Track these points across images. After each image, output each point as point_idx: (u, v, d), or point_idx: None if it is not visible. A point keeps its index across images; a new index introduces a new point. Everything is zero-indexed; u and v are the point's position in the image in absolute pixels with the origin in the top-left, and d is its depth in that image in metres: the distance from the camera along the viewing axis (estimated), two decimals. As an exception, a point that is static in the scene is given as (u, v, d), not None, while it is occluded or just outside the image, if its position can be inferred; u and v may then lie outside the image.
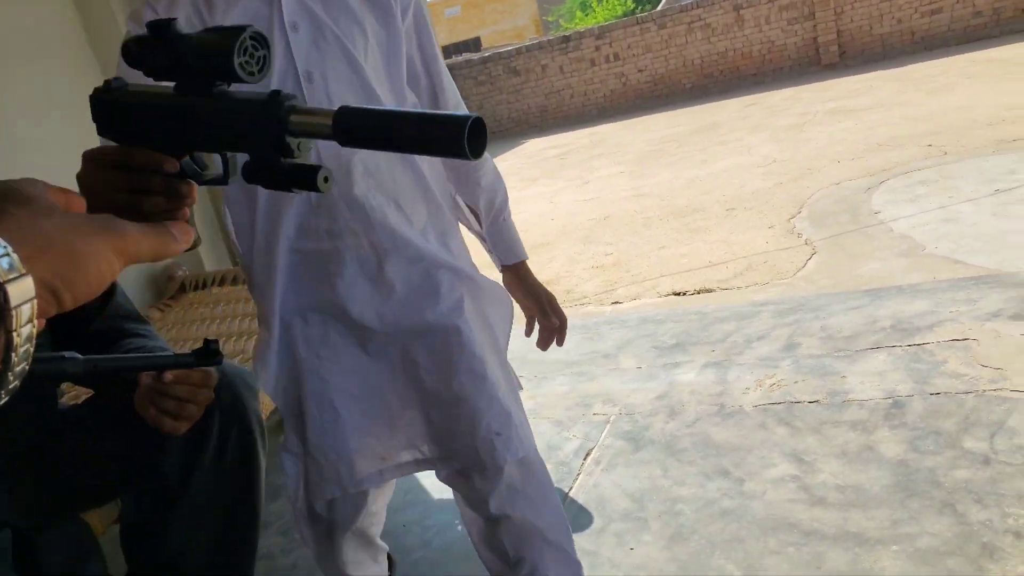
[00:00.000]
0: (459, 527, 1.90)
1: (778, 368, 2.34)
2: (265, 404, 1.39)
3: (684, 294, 3.60)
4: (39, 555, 1.04)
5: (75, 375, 0.92)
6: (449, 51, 22.62)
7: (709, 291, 3.56)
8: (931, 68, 9.32)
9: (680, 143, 8.40)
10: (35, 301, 0.38)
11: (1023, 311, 2.28)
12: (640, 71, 13.14)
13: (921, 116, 6.46)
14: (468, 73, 14.33)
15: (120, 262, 0.45)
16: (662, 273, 3.99)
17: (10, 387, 0.38)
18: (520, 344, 3.00)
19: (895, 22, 11.50)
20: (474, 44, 25.02)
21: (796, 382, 2.23)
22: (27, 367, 0.39)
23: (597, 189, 6.80)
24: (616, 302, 3.68)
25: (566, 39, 13.63)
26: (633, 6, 20.17)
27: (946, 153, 4.95)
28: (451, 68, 14.57)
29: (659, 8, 14.63)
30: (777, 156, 6.33)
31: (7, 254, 0.37)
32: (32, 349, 0.39)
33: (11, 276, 0.37)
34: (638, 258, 4.37)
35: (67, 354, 0.93)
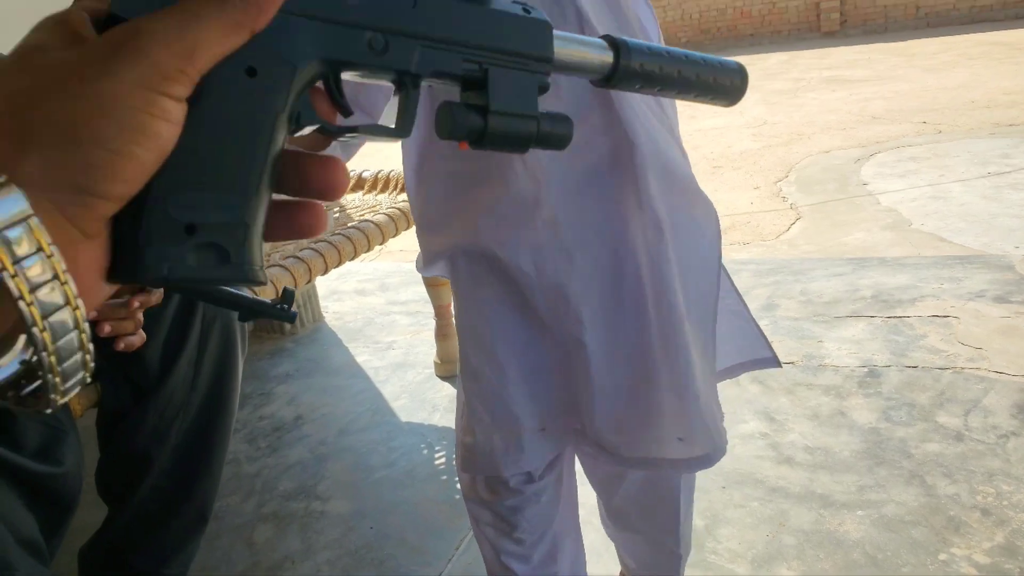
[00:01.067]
0: (424, 450, 1.88)
1: (756, 327, 2.31)
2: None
3: (666, 246, 3.55)
4: (16, 430, 1.02)
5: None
6: None
7: (691, 245, 3.51)
8: (933, 45, 9.24)
9: (673, 96, 8.27)
10: (33, 219, 0.24)
11: (1006, 293, 2.27)
12: (639, 18, 12.87)
13: (918, 92, 6.41)
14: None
15: (176, 89, 0.27)
16: (645, 223, 3.93)
17: (41, 340, 0.24)
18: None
19: (900, -4, 11.37)
20: None
21: (772, 342, 2.20)
22: (78, 315, 0.25)
23: (585, 133, 6.68)
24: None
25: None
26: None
27: (940, 132, 4.92)
28: None
29: (665, -45, 14.26)
30: (768, 119, 6.26)
31: None
32: (69, 291, 0.25)
33: None
34: (622, 206, 4.30)
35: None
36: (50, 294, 0.24)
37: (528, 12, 0.38)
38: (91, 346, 0.26)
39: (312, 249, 1.58)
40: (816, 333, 2.23)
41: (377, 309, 2.87)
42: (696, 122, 6.54)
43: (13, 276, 0.23)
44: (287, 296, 1.01)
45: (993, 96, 5.80)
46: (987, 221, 3.14)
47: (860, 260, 2.79)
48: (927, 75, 7.26)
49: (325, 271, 1.58)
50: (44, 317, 0.24)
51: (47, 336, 0.24)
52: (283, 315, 1.01)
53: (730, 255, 3.27)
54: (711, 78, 0.48)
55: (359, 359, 2.45)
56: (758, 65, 9.86)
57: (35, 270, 0.24)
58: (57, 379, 0.25)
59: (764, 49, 11.49)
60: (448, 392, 2.15)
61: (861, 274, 2.62)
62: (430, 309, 2.18)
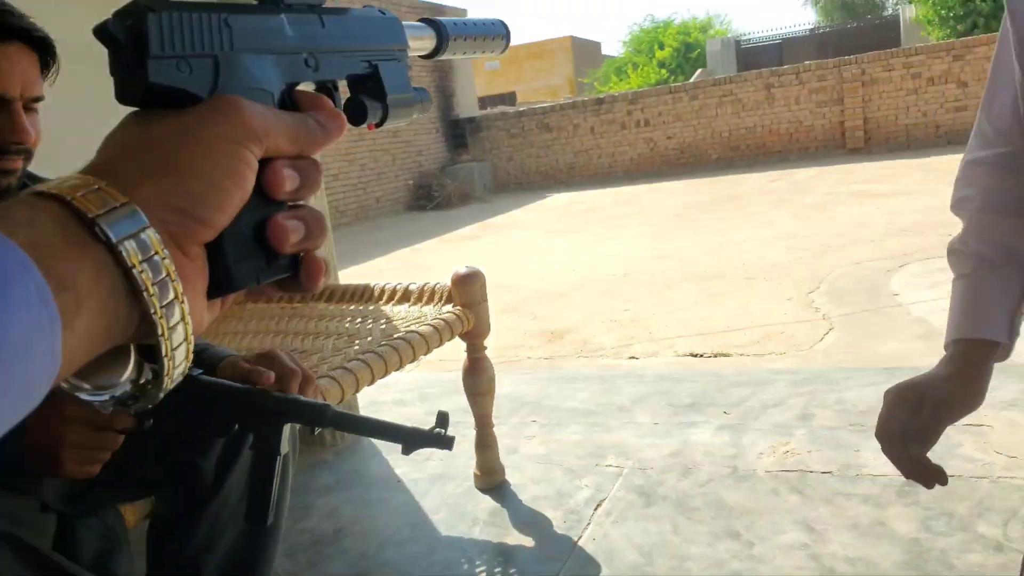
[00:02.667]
0: (464, 564, 1.91)
1: (792, 436, 2.34)
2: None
3: (701, 356, 3.62)
4: (76, 541, 1.07)
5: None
6: (484, 102, 23.09)
7: (726, 355, 3.57)
8: (954, 161, 9.35)
9: (703, 210, 8.49)
10: (150, 231, 0.31)
11: (1041, 403, 2.29)
12: (669, 138, 13.35)
13: (942, 206, 6.44)
14: (502, 125, 14.60)
15: (254, 149, 0.35)
16: (679, 334, 4.02)
17: (166, 334, 0.32)
18: (535, 388, 3.04)
19: (920, 115, 11.69)
20: (509, 98, 25.54)
21: (810, 451, 2.23)
22: (183, 308, 0.32)
23: (619, 247, 6.87)
24: (633, 357, 3.70)
25: (600, 101, 13.92)
26: (667, 75, 20.58)
27: (969, 244, 4.99)
28: (487, 119, 14.88)
29: (692, 80, 14.92)
30: (799, 232, 6.40)
31: (96, 188, 0.31)
32: (177, 288, 0.32)
33: (106, 208, 0.30)
34: (656, 317, 4.40)
35: (319, 402, 0.98)
36: (164, 292, 0.31)
37: (384, 14, 0.51)
38: (192, 348, 0.34)
39: (360, 360, 1.68)
40: (853, 442, 2.25)
41: (417, 420, 2.95)
42: (728, 235, 6.70)
43: (141, 272, 0.30)
44: (442, 421, 0.99)
45: (1021, 208, 5.88)
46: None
47: (893, 369, 2.83)
48: (949, 189, 7.38)
49: (372, 381, 1.68)
50: (160, 306, 0.31)
51: (163, 318, 0.31)
52: (442, 442, 0.98)
53: (766, 365, 3.32)
54: (492, 36, 0.61)
55: (398, 471, 2.50)
56: (787, 180, 10.11)
57: (152, 272, 0.31)
58: (167, 379, 0.33)
59: (792, 165, 11.80)
60: (488, 505, 2.18)
61: (895, 383, 2.65)
62: (470, 419, 2.25)
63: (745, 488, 2.07)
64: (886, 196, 7.58)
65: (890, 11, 24.73)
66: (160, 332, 0.31)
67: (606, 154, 13.86)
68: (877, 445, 2.20)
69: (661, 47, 21.61)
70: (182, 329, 0.33)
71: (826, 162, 11.43)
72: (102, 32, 0.36)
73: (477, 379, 2.14)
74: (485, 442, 2.24)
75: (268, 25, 0.41)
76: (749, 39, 21.46)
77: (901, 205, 6.91)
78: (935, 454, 2.17)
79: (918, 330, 3.45)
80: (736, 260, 5.63)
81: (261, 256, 0.38)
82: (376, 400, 3.23)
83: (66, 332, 0.28)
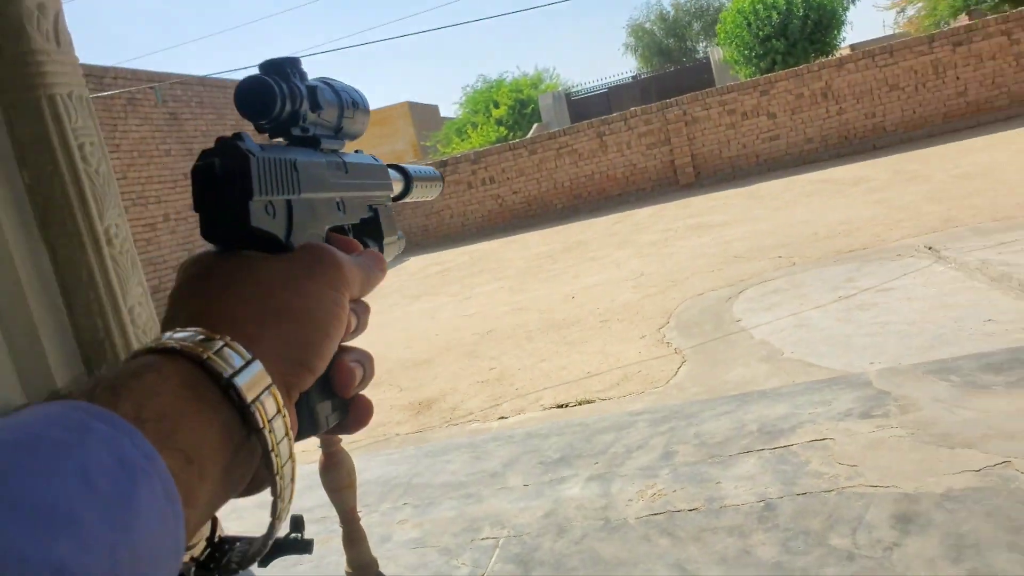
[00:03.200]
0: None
1: (658, 478, 2.41)
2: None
3: (566, 406, 3.68)
4: None
5: None
6: (327, 174, 22.80)
7: (589, 402, 3.65)
8: (775, 187, 10.26)
9: (555, 259, 8.74)
10: (273, 388, 0.31)
11: (870, 409, 2.48)
12: (515, 193, 13.73)
13: (770, 230, 7.05)
14: (346, 195, 14.50)
15: (345, 294, 0.37)
16: (544, 386, 4.07)
17: (284, 493, 0.32)
18: (405, 467, 2.97)
19: (741, 147, 12.68)
20: (352, 167, 25.36)
21: (675, 490, 2.30)
22: (293, 466, 0.32)
23: (478, 305, 6.92)
24: (502, 417, 3.70)
25: (443, 163, 14.14)
26: (506, 133, 21.25)
27: (794, 263, 5.40)
28: (329, 190, 14.72)
29: (529, 135, 15.48)
30: (644, 270, 6.70)
31: (223, 344, 0.31)
32: (291, 445, 0.32)
33: (237, 368, 0.30)
34: (521, 371, 4.44)
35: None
36: (284, 447, 0.32)
37: (376, 160, 0.53)
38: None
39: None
40: (713, 475, 2.34)
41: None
42: (581, 280, 6.91)
43: (269, 432, 0.31)
44: (296, 525, 0.98)
45: (831, 227, 6.46)
46: (844, 342, 3.44)
47: (743, 396, 2.98)
48: (775, 213, 8.03)
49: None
50: (282, 466, 0.31)
51: (282, 478, 0.32)
52: (301, 547, 0.98)
53: (626, 407, 3.41)
54: (436, 181, 0.67)
55: (269, 573, 2.36)
56: (628, 221, 10.62)
57: (278, 424, 0.31)
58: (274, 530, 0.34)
59: (632, 206, 12.42)
60: (366, 597, 2.10)
61: (745, 409, 2.80)
62: (335, 514, 2.16)
63: (618, 539, 2.09)
64: (719, 226, 8.10)
65: (701, 54, 26.84)
66: (278, 492, 0.32)
67: (457, 214, 14.06)
68: (736, 474, 2.30)
69: (496, 106, 22.31)
70: (290, 490, 0.33)
71: (662, 199, 12.12)
72: (202, 171, 0.36)
73: (335, 474, 2.06)
74: (353, 537, 2.15)
75: (319, 170, 0.43)
76: (579, 91, 22.60)
77: (733, 233, 7.41)
78: (787, 474, 2.29)
79: (761, 352, 3.66)
80: (590, 304, 5.81)
81: (329, 399, 0.38)
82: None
83: (188, 510, 0.27)
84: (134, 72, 11.06)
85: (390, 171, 0.57)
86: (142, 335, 2.60)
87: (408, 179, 0.60)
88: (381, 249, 0.50)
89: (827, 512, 1.96)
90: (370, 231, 0.50)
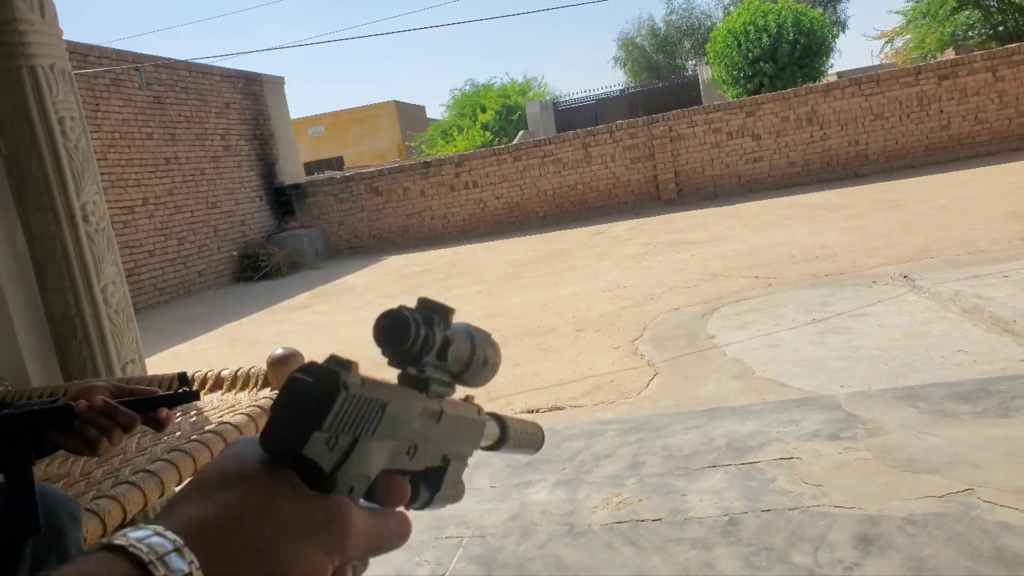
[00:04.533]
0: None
1: (624, 487, 2.41)
2: (89, 533, 1.28)
3: (537, 411, 3.67)
4: None
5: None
6: (311, 167, 22.72)
7: (560, 408, 3.65)
8: (756, 208, 10.36)
9: (533, 267, 8.75)
10: None
11: (838, 431, 2.50)
12: (497, 198, 13.73)
13: (749, 250, 7.12)
14: (330, 190, 14.42)
15: (335, 561, 0.37)
16: (516, 390, 4.06)
17: None
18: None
19: (724, 166, 12.79)
20: (337, 163, 25.32)
21: (640, 500, 2.30)
22: None
23: (455, 307, 6.89)
24: (470, 421, 3.69)
25: (427, 164, 14.12)
26: (492, 138, 21.26)
27: (770, 284, 5.45)
28: (313, 184, 14.66)
29: (515, 142, 15.49)
30: (622, 282, 6.72)
31: (189, 568, 0.33)
32: None
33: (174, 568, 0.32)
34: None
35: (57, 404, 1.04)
36: None
37: (478, 415, 0.51)
38: None
39: (165, 461, 1.54)
40: (679, 487, 2.35)
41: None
42: (558, 289, 6.92)
43: None
44: (183, 380, 1.11)
45: (809, 251, 6.54)
46: (816, 364, 3.47)
47: (713, 411, 3.00)
48: (754, 234, 8.10)
49: (180, 481, 1.55)
50: None
51: None
52: (189, 397, 1.11)
53: (596, 415, 3.41)
54: (537, 442, 0.63)
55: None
56: (609, 233, 10.66)
57: None
58: None
59: (613, 218, 12.47)
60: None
61: (715, 424, 2.81)
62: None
63: (581, 545, 2.09)
64: (698, 243, 8.16)
65: (690, 72, 27.08)
66: None
67: (438, 216, 14.03)
68: (701, 487, 2.30)
69: (483, 110, 22.33)
70: None
71: (644, 214, 12.18)
72: (294, 383, 0.36)
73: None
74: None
75: (406, 416, 0.41)
76: (567, 101, 22.68)
77: (712, 251, 7.46)
78: (752, 490, 2.30)
79: (733, 370, 3.69)
80: (566, 313, 5.82)
81: None
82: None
83: None
84: (119, 52, 10.91)
85: (489, 422, 0.54)
86: (114, 315, 2.56)
87: (503, 438, 0.56)
88: (431, 499, 0.48)
89: (791, 530, 1.97)
90: (429, 478, 0.48)
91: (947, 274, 4.75)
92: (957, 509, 1.91)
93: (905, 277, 4.87)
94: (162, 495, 1.48)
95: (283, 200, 14.40)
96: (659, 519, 2.17)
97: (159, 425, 1.13)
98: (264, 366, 1.98)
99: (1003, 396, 2.54)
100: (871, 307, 4.38)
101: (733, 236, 8.22)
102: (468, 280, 8.61)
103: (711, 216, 10.39)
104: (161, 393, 1.12)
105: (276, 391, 1.93)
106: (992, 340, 3.47)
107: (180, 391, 1.12)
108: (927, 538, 1.81)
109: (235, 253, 13.00)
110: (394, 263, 11.80)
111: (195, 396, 1.12)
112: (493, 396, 4.03)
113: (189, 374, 2.14)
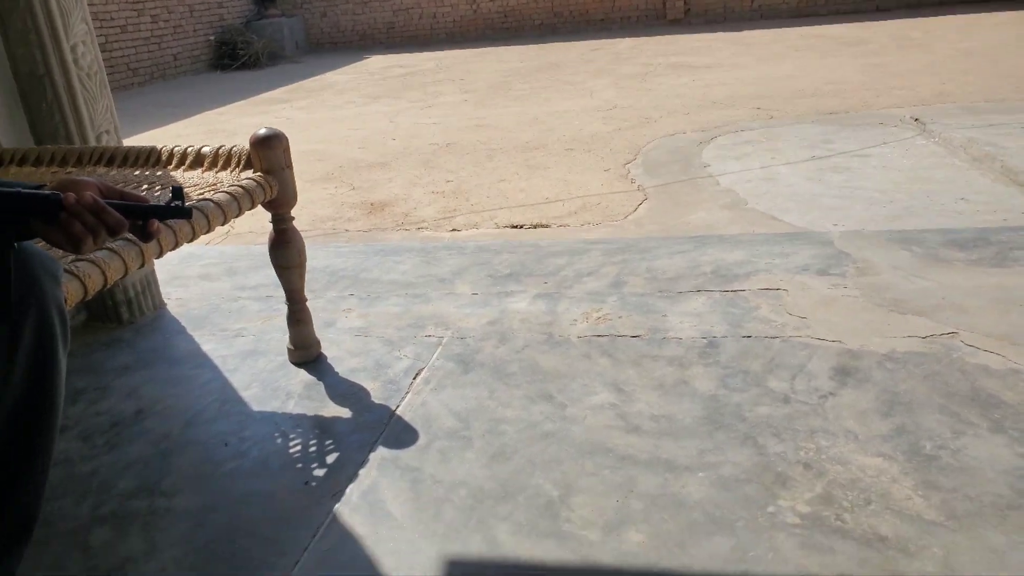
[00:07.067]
0: (278, 439, 1.82)
1: (604, 303, 2.40)
2: (70, 294, 1.22)
3: (521, 227, 3.62)
4: None
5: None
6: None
7: (545, 226, 3.59)
8: (766, 36, 9.87)
9: (526, 79, 8.38)
10: None
11: (827, 267, 2.48)
12: (491, 0, 12.93)
13: (754, 80, 6.83)
14: (313, -24, 13.45)
15: None
16: (500, 205, 3.99)
17: None
18: (353, 262, 2.91)
19: (737, -12, 12.05)
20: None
21: (620, 317, 2.30)
22: None
23: (440, 115, 6.64)
24: (455, 229, 3.63)
25: (421, -45, 13.12)
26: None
27: (772, 117, 5.27)
28: (295, -33, 13.65)
29: (518, -62, 14.36)
30: (618, 102, 6.48)
31: None
32: None
33: None
34: (478, 188, 4.33)
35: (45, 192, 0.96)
36: None
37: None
38: None
39: (147, 232, 1.48)
40: (660, 307, 2.34)
41: (224, 295, 2.74)
42: (551, 104, 6.66)
43: None
44: (177, 194, 1.03)
45: (818, 86, 6.28)
46: (811, 201, 3.41)
47: (701, 238, 2.96)
48: (761, 64, 7.76)
49: (160, 254, 1.49)
50: None
51: None
52: (181, 212, 1.03)
53: (582, 235, 3.37)
54: None
55: (205, 348, 2.33)
56: (609, 49, 10.17)
57: None
58: None
59: (614, 34, 11.85)
60: (303, 378, 2.09)
61: (702, 251, 2.78)
62: (282, 294, 2.11)
63: (559, 353, 2.10)
64: (702, 68, 7.82)
65: None
66: None
67: (427, 15, 13.23)
68: (683, 309, 2.29)
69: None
70: None
71: (646, 32, 11.58)
72: None
73: (284, 252, 1.98)
74: (298, 317, 2.11)
75: None
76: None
77: (715, 78, 7.16)
78: (735, 316, 2.30)
79: (725, 200, 3.62)
80: (557, 131, 5.63)
81: None
82: (180, 275, 2.97)
83: None
84: None
85: None
86: (86, 78, 2.38)
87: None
88: None
89: (769, 356, 1.99)
90: None
91: (962, 120, 4.60)
92: (938, 350, 1.92)
93: (916, 120, 4.72)
94: (142, 265, 1.42)
95: (264, -18, 13.46)
96: (638, 335, 2.17)
97: (147, 236, 1.04)
98: (247, 147, 1.86)
99: (1002, 246, 2.51)
100: (875, 148, 4.27)
101: (739, 64, 7.87)
102: (456, 87, 8.25)
103: (718, 41, 9.91)
104: (152, 204, 1.04)
105: (258, 172, 1.83)
106: (998, 190, 3.41)
107: (173, 204, 1.04)
108: (905, 375, 1.83)
109: (212, 38, 12.30)
110: (377, 63, 11.26)
111: (187, 213, 1.04)
112: (476, 208, 3.95)
113: (167, 150, 2.02)
